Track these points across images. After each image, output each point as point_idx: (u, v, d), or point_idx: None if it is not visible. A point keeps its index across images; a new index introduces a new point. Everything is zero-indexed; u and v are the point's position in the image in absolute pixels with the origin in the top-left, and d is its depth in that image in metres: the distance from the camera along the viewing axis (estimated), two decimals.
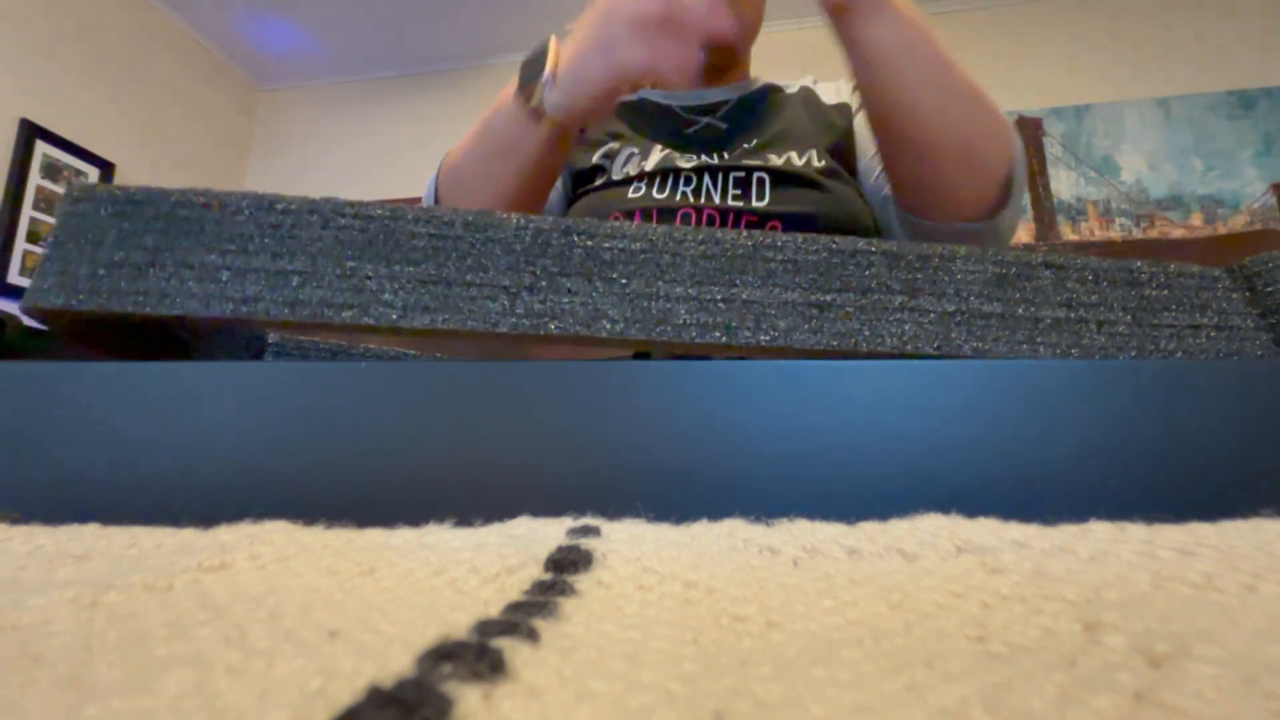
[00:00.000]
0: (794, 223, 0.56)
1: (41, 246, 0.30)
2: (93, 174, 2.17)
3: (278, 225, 0.29)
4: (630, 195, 0.59)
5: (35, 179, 2.01)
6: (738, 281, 0.28)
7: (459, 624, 0.11)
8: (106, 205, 0.29)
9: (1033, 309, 0.29)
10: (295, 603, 0.13)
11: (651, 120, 0.65)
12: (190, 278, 0.28)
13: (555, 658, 0.10)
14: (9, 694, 0.09)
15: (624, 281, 0.28)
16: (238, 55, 2.72)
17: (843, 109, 0.67)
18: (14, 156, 1.96)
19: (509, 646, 0.10)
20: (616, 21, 0.37)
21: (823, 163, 0.61)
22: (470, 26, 2.56)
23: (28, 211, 2.01)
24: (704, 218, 0.57)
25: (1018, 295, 0.29)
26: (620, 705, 0.08)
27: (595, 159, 0.65)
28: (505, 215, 0.29)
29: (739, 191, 0.58)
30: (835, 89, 0.71)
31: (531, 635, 0.11)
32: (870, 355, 0.28)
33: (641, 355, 0.46)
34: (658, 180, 0.60)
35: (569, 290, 0.28)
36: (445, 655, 0.09)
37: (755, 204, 0.57)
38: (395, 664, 0.09)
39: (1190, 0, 2.22)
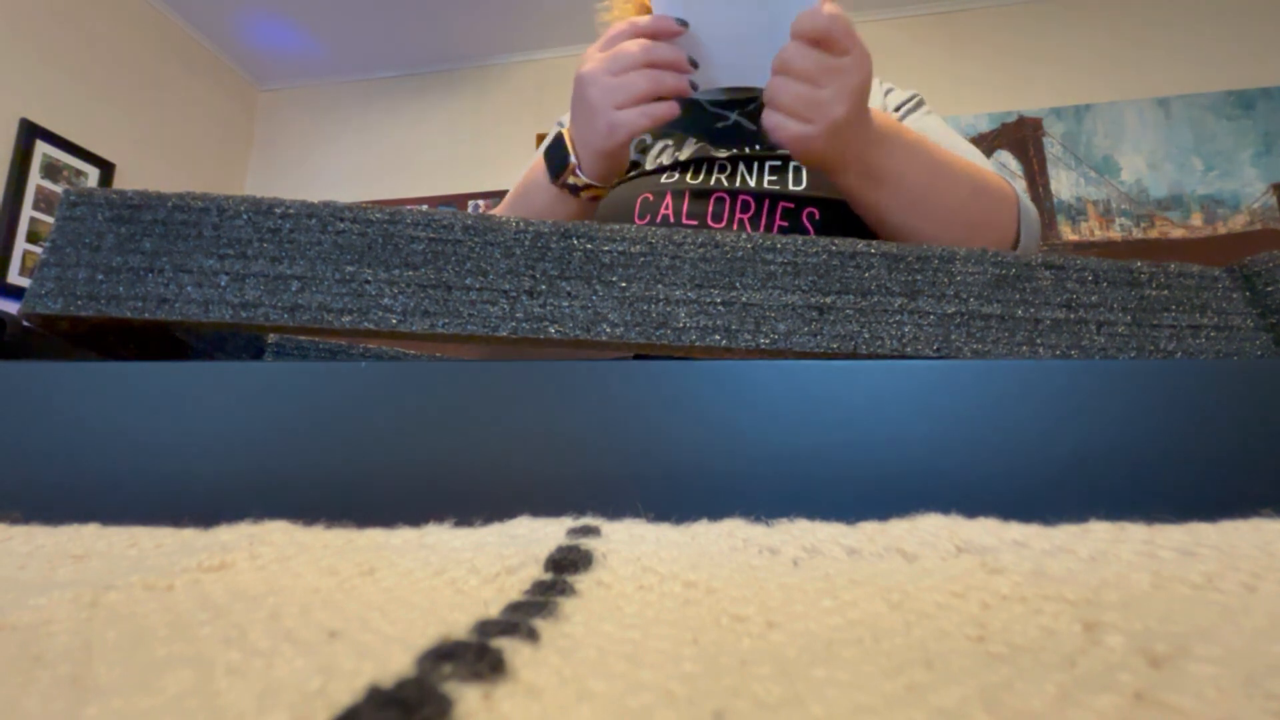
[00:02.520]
0: (832, 207, 0.56)
1: (41, 247, 0.30)
2: (93, 174, 2.18)
3: (276, 230, 0.29)
4: (663, 180, 0.59)
5: (35, 179, 2.02)
6: (738, 284, 0.28)
7: (459, 624, 0.11)
8: (104, 209, 0.29)
9: (1032, 310, 0.29)
10: (295, 603, 0.13)
11: (681, 115, 0.67)
12: (189, 282, 0.28)
13: (555, 658, 0.10)
14: (9, 694, 0.09)
15: (624, 285, 0.28)
16: (237, 55, 2.72)
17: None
18: (14, 156, 1.96)
19: (509, 646, 0.10)
20: (592, 105, 0.45)
21: None
22: (470, 26, 2.56)
23: (28, 211, 2.01)
24: (739, 201, 0.56)
25: (1017, 296, 0.29)
26: (620, 705, 0.08)
27: (630, 155, 0.66)
28: (504, 219, 0.29)
29: (775, 177, 0.58)
30: (871, 89, 0.71)
31: (531, 635, 0.11)
32: (870, 358, 0.28)
33: (642, 358, 0.46)
34: (691, 167, 0.60)
35: (569, 294, 0.28)
36: (445, 655, 0.09)
37: (792, 188, 0.57)
38: (395, 664, 0.09)
39: (1190, 0, 2.22)
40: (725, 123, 0.65)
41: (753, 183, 0.58)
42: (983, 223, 0.50)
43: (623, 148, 0.45)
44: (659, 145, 0.64)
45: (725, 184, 0.58)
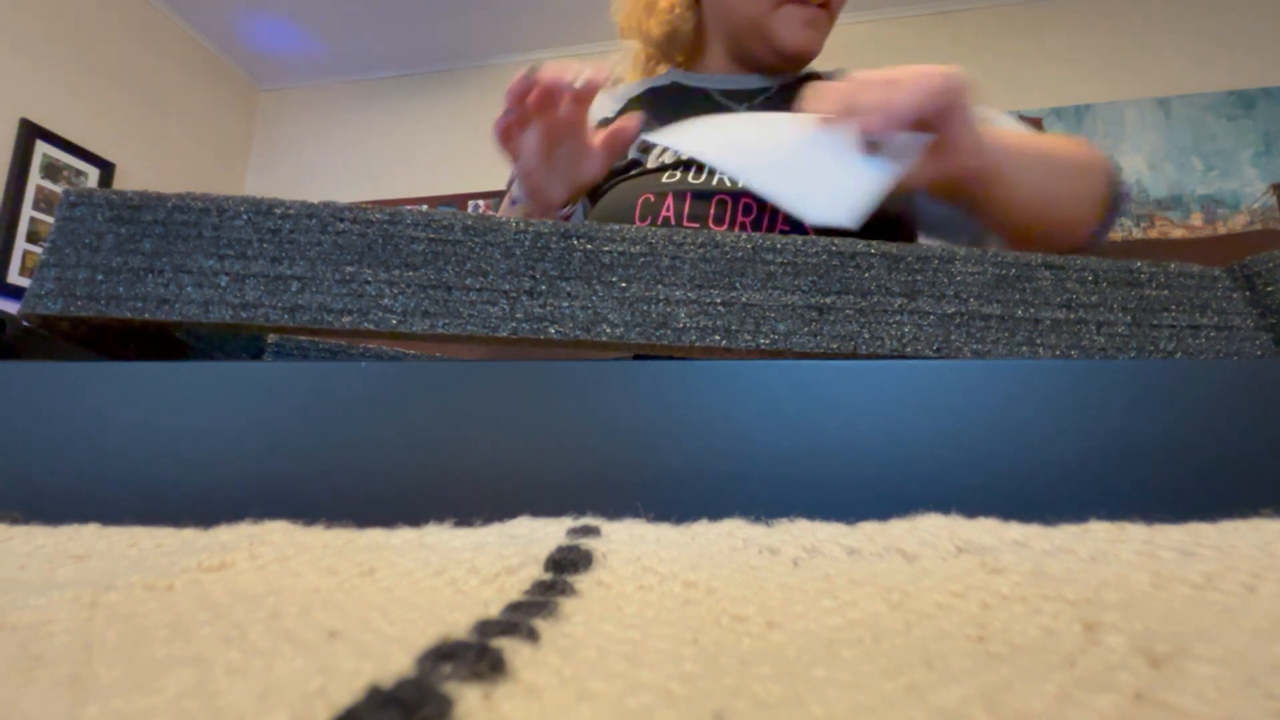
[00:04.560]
0: None
1: (41, 247, 0.30)
2: (93, 174, 2.17)
3: (276, 230, 0.29)
4: (664, 180, 0.58)
5: (35, 179, 2.01)
6: (737, 284, 0.28)
7: (459, 624, 0.11)
8: (104, 210, 0.29)
9: (1032, 310, 0.29)
10: (295, 603, 0.13)
11: (685, 105, 0.63)
12: (189, 283, 0.28)
13: (555, 658, 0.10)
14: (9, 694, 0.09)
15: (624, 285, 0.28)
16: (238, 55, 2.72)
17: None
18: (14, 156, 1.96)
19: (509, 646, 0.10)
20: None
21: None
22: (470, 26, 2.56)
23: (28, 211, 2.01)
24: (741, 204, 0.55)
25: (1017, 296, 0.29)
26: (620, 705, 0.08)
27: (631, 154, 0.63)
28: (504, 219, 0.29)
29: None
30: None
31: (531, 635, 0.11)
32: (870, 358, 0.28)
33: (641, 358, 0.45)
34: (694, 166, 0.58)
35: (569, 294, 0.28)
36: (445, 655, 0.09)
37: None
38: (395, 664, 0.09)
39: (1190, 0, 2.22)
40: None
41: None
42: (1075, 215, 0.47)
43: (523, 171, 0.44)
44: (661, 146, 0.61)
45: (728, 185, 0.56)
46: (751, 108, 0.63)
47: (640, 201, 0.57)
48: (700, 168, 0.58)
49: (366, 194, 2.69)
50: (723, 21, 0.64)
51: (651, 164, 0.61)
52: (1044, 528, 0.17)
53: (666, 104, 0.65)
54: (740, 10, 0.61)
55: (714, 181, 0.56)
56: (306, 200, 0.29)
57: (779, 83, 0.65)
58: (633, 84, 0.72)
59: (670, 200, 0.56)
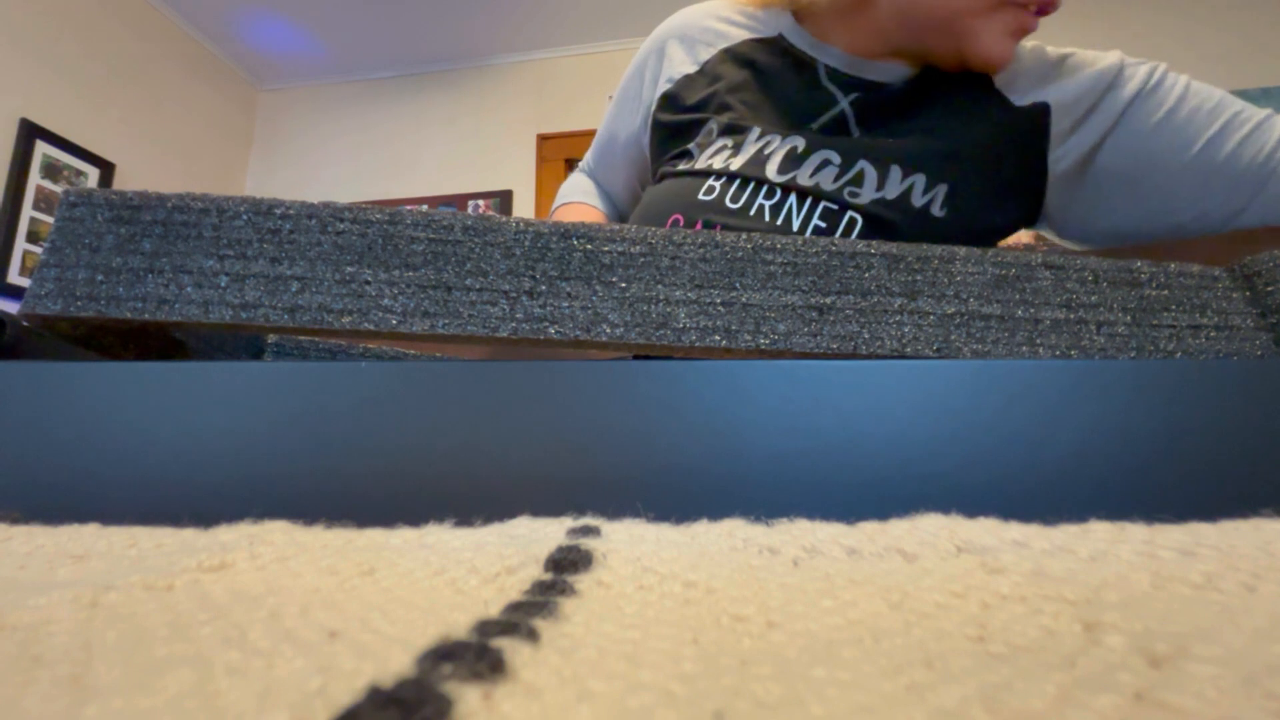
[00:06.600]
0: None
1: (41, 247, 0.30)
2: (93, 174, 2.18)
3: (276, 230, 0.29)
4: (701, 196, 0.52)
5: (35, 179, 2.02)
6: (737, 285, 0.28)
7: (459, 624, 0.11)
8: (104, 210, 0.29)
9: (1032, 310, 0.29)
10: (295, 603, 0.13)
11: (778, 76, 0.56)
12: (189, 283, 0.28)
13: (555, 658, 0.10)
14: (9, 694, 0.09)
15: (624, 285, 0.28)
16: (238, 55, 2.72)
17: (1036, 114, 0.51)
18: (14, 156, 1.96)
19: (509, 646, 0.10)
20: None
21: (944, 211, 0.50)
22: (470, 26, 2.56)
23: (28, 211, 2.01)
24: None
25: (1017, 296, 0.29)
26: (620, 705, 0.08)
27: (691, 145, 0.56)
28: (504, 219, 0.29)
29: (823, 225, 0.50)
30: (1047, 75, 0.52)
31: (531, 635, 0.11)
32: (870, 358, 0.28)
33: (642, 358, 0.45)
34: (736, 184, 0.52)
35: (569, 294, 0.28)
36: (445, 655, 0.09)
37: None
38: (395, 664, 0.09)
39: (1190, 0, 2.22)
40: (834, 110, 0.53)
41: (795, 226, 0.50)
42: None
43: None
44: (718, 144, 0.54)
45: (765, 219, 0.50)
46: (859, 100, 0.54)
47: (670, 223, 0.53)
48: (743, 187, 0.52)
49: (366, 194, 2.69)
50: (900, 2, 0.51)
51: (700, 163, 0.54)
52: (1044, 528, 0.17)
53: (761, 68, 0.57)
54: (940, 1, 0.49)
55: (751, 212, 0.51)
56: (306, 200, 0.29)
57: (910, 75, 0.54)
58: (737, 13, 0.61)
59: (699, 229, 0.51)
